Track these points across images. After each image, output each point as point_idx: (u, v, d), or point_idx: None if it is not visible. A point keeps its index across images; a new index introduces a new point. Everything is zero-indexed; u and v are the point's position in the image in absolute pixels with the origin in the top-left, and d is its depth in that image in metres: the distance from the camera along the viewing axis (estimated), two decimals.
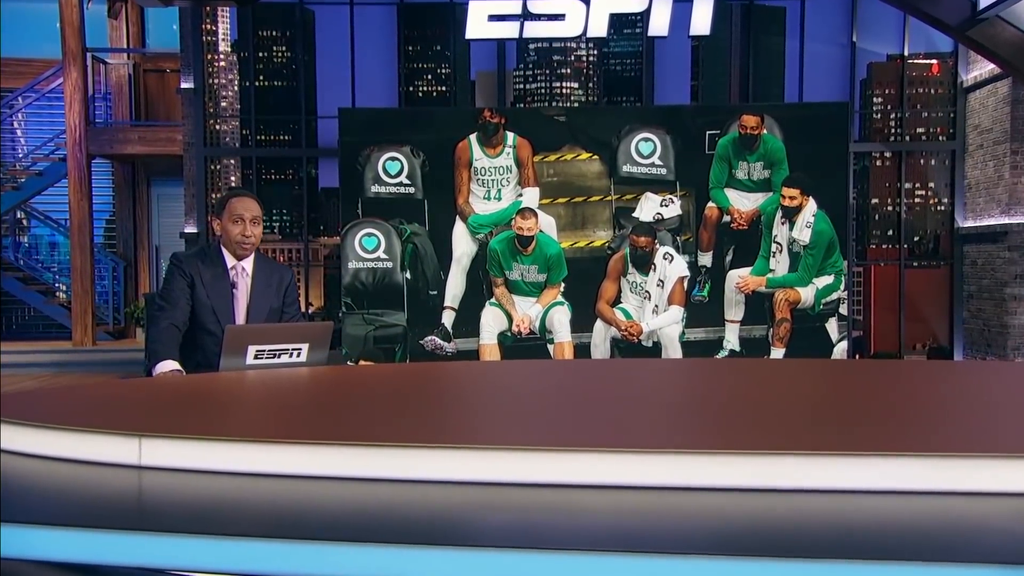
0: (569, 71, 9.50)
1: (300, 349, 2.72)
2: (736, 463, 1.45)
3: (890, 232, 9.48)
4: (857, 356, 9.00)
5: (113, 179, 12.24)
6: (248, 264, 3.19)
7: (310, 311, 9.58)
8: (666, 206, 7.14)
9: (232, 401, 2.12)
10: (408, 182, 7.17)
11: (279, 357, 2.69)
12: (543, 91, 9.49)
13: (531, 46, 9.48)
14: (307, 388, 2.32)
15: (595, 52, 9.55)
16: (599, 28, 8.65)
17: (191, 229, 9.64)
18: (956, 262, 9.26)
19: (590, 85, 9.55)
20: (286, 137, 9.84)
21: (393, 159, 7.15)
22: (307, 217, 9.74)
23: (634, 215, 7.16)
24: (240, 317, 3.13)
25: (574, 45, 9.45)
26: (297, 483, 1.53)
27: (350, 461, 1.54)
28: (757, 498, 1.42)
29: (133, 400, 2.05)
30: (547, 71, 9.48)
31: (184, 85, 9.68)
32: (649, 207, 7.15)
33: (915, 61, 9.48)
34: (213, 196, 9.77)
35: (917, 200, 9.48)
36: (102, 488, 1.55)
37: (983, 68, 8.90)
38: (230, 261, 3.17)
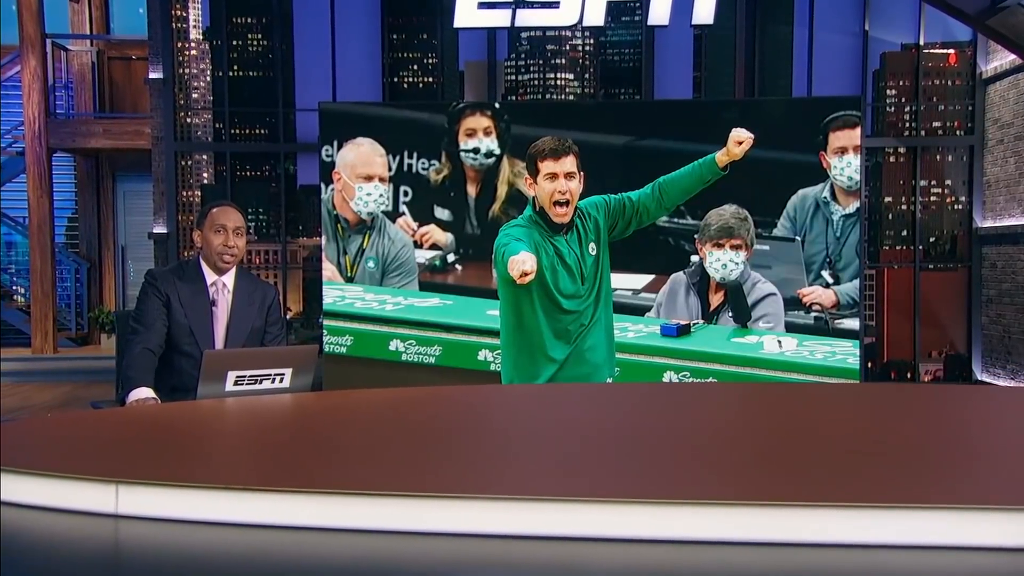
0: (564, 61, 9.51)
1: (283, 374, 2.73)
2: (766, 515, 1.46)
3: (904, 233, 9.52)
4: (870, 364, 9.04)
5: (76, 174, 12.19)
6: (229, 280, 3.19)
7: (288, 316, 9.56)
8: None
9: (213, 438, 2.12)
10: None
11: (260, 383, 2.70)
12: (536, 82, 9.50)
13: (523, 35, 9.48)
14: (293, 421, 2.33)
15: (591, 42, 9.56)
16: (596, 16, 8.66)
17: (160, 229, 9.61)
18: (974, 264, 9.32)
19: (586, 76, 9.56)
20: (262, 131, 9.80)
21: None
22: (285, 216, 9.72)
23: None
24: (219, 337, 3.14)
25: (569, 34, 9.46)
26: (286, 535, 1.53)
27: (344, 511, 1.54)
28: (789, 553, 1.42)
29: (108, 438, 2.04)
30: (540, 61, 9.49)
31: (152, 75, 9.65)
32: None
33: (931, 51, 9.52)
34: (184, 194, 9.74)
35: (933, 199, 9.53)
36: (75, 540, 1.55)
37: (1003, 59, 8.95)
38: (210, 277, 3.17)
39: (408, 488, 1.58)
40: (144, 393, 2.82)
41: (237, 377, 2.66)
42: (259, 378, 2.69)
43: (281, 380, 2.73)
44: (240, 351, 3.01)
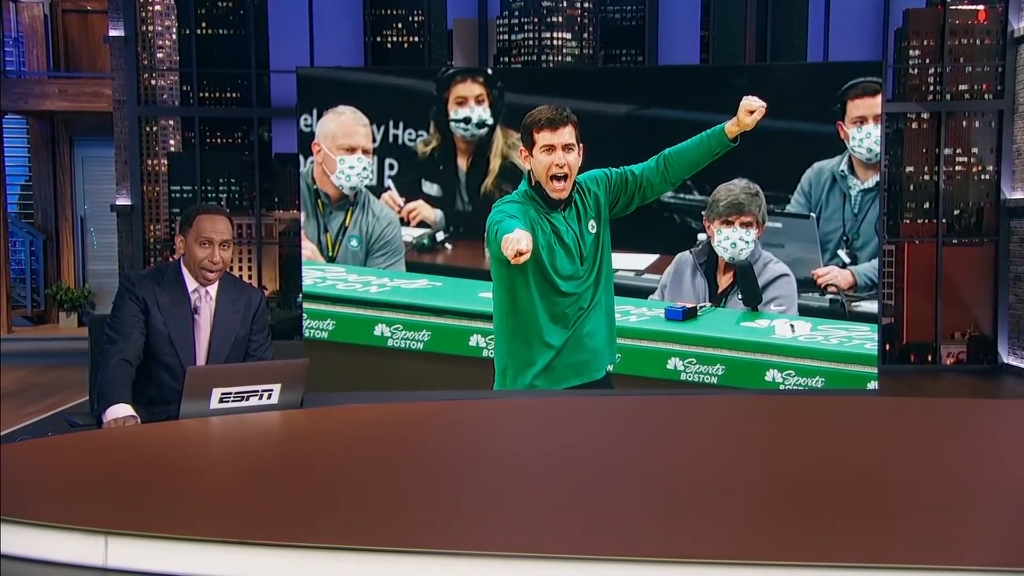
0: (561, 19, 9.47)
1: (271, 390, 2.76)
2: None
3: (927, 205, 9.56)
4: (888, 347, 9.12)
5: (29, 138, 12.10)
6: (212, 287, 3.22)
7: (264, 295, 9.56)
8: None
9: (203, 476, 2.14)
10: None
11: (247, 400, 2.73)
12: (531, 43, 9.46)
13: None
14: (285, 453, 2.36)
15: None
16: None
17: (124, 201, 9.58)
18: (1002, 239, 9.36)
19: (585, 36, 9.52)
20: (234, 94, 9.76)
21: None
22: (259, 188, 9.70)
23: None
24: (201, 347, 3.17)
25: None
26: None
27: (345, 568, 1.58)
28: None
29: (93, 478, 2.06)
30: (535, 20, 9.45)
31: (113, 32, 9.57)
32: None
33: (958, 7, 9.50)
34: (149, 162, 9.70)
35: (958, 168, 9.56)
36: None
37: None
38: (191, 284, 3.20)
39: (409, 543, 1.62)
40: (123, 411, 2.84)
41: (222, 394, 2.69)
42: (246, 395, 2.73)
43: (269, 397, 2.76)
44: (225, 367, 3.04)
